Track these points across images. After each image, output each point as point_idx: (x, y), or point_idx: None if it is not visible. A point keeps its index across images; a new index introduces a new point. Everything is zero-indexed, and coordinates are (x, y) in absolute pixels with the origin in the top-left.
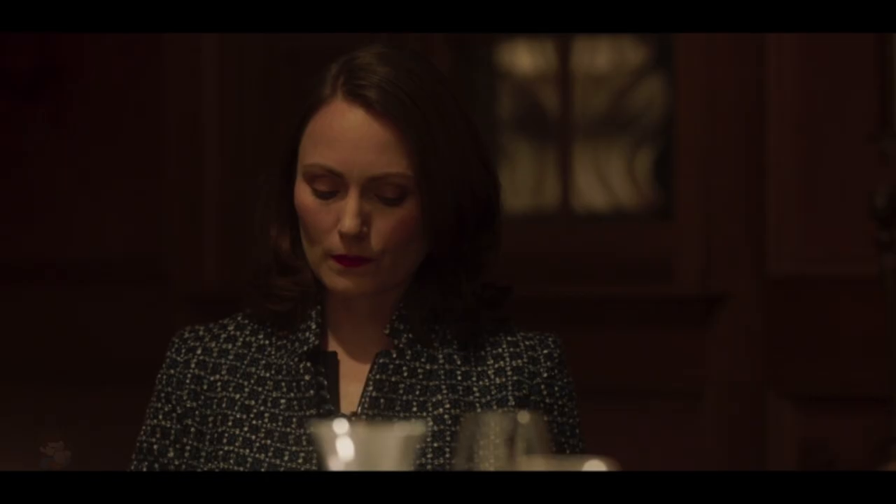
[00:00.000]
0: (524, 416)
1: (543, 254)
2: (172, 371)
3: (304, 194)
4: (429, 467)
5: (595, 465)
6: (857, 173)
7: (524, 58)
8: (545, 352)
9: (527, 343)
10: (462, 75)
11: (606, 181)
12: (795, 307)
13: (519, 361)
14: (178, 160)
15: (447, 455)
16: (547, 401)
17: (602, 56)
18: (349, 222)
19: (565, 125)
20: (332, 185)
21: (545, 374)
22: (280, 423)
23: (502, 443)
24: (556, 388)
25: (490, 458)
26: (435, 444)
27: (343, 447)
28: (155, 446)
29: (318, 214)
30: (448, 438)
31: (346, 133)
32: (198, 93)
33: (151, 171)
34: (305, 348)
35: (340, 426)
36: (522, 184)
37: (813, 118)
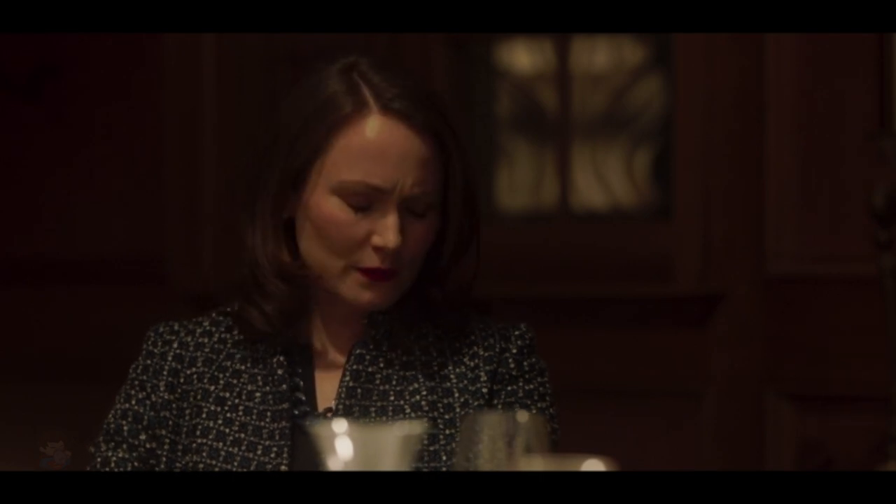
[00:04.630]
0: (524, 416)
1: (542, 253)
2: (149, 361)
3: (334, 208)
4: None
5: (593, 464)
6: (855, 172)
7: (523, 57)
8: (516, 333)
9: (499, 327)
10: (461, 75)
11: (605, 180)
12: (794, 306)
13: (490, 340)
14: (177, 160)
15: (425, 442)
16: (514, 373)
17: (601, 55)
18: (394, 238)
19: (564, 124)
20: (369, 199)
21: (514, 351)
22: (254, 417)
23: (502, 443)
24: (526, 364)
25: (490, 458)
26: None
27: (342, 447)
28: (125, 428)
29: (350, 228)
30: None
31: (391, 149)
32: (197, 93)
33: (151, 171)
34: (280, 340)
35: (340, 426)
36: (521, 183)
37: (812, 117)
